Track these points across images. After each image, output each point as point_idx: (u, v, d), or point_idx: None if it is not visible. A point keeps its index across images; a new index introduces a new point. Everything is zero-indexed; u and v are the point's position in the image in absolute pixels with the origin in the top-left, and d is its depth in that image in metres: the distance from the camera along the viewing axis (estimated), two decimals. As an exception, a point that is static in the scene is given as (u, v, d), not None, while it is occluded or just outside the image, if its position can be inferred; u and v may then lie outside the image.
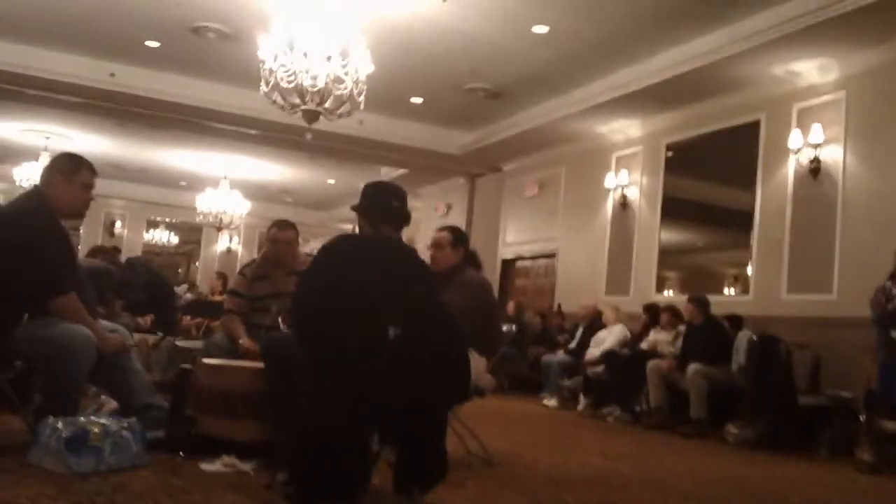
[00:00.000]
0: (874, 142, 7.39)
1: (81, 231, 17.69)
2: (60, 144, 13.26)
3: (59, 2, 8.26)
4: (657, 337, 8.43)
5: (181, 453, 3.79)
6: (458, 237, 4.71)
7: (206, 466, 3.60)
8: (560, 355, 9.69)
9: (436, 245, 4.69)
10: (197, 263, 20.28)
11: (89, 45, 9.57)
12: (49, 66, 9.80)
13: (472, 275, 4.64)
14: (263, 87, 6.94)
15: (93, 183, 4.04)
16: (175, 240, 20.23)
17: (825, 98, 7.85)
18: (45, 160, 11.15)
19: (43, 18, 8.74)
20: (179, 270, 20.36)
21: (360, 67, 6.94)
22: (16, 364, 3.84)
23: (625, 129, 10.51)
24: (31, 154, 14.09)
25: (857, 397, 6.39)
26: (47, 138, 13.78)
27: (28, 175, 13.70)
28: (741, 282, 8.75)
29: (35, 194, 3.96)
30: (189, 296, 12.10)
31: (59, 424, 3.30)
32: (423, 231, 14.30)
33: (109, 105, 10.93)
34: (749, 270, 8.53)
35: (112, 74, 10.09)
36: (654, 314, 8.77)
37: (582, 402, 8.81)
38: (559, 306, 11.25)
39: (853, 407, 6.40)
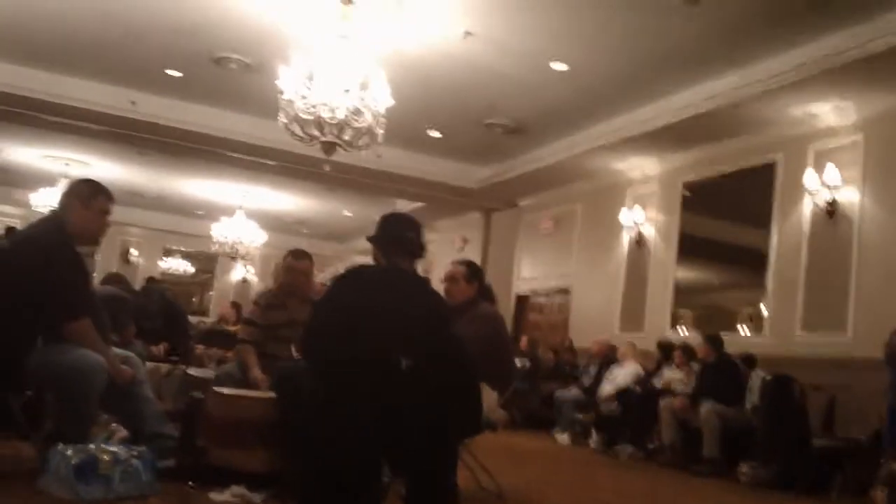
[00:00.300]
0: (891, 184, 7.37)
1: (97, 258, 17.78)
2: (79, 171, 13.40)
3: (82, 29, 8.38)
4: (671, 375, 8.38)
5: (191, 483, 3.77)
6: (472, 271, 4.73)
7: (215, 496, 3.59)
8: (573, 391, 9.62)
9: (450, 279, 4.71)
10: (211, 293, 20.32)
11: (111, 73, 9.69)
12: (70, 92, 9.91)
13: (485, 308, 4.64)
14: (282, 118, 7.00)
15: (110, 209, 4.07)
16: (191, 269, 20.29)
17: (842, 140, 7.85)
18: (63, 186, 11.26)
19: (65, 46, 8.87)
20: (193, 299, 20.41)
21: (379, 100, 6.99)
22: (27, 392, 3.85)
23: (642, 167, 10.51)
24: (49, 180, 14.24)
25: (870, 438, 6.33)
26: (66, 164, 13.93)
27: (46, 201, 13.79)
28: (755, 321, 8.70)
29: (52, 220, 3.99)
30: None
31: (69, 451, 3.30)
32: (438, 264, 14.29)
33: (129, 133, 11.02)
34: (763, 309, 8.48)
35: (133, 102, 10.20)
36: (667, 351, 8.73)
37: (594, 438, 8.74)
38: (570, 342, 11.19)
39: (866, 449, 6.32)
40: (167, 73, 9.49)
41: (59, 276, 3.75)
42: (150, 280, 8.65)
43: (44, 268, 3.72)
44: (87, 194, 3.99)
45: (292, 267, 4.97)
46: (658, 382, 8.43)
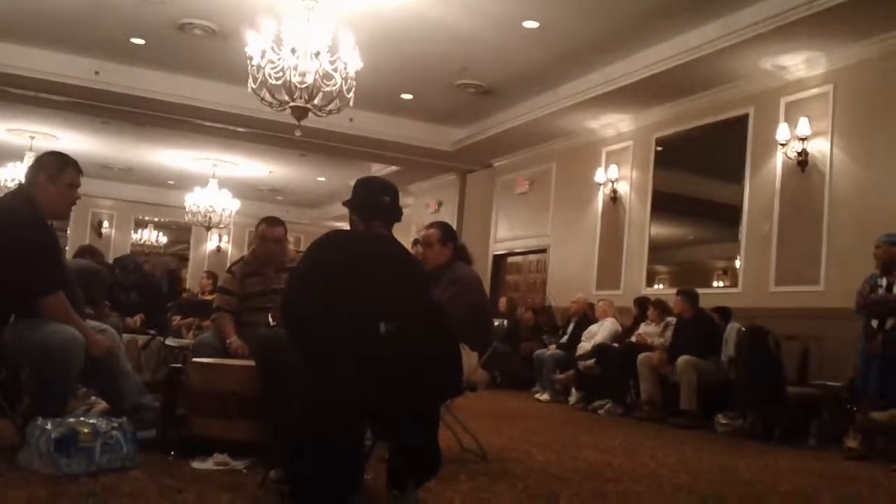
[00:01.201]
0: (860, 135, 7.43)
1: (68, 231, 17.61)
2: (45, 144, 13.19)
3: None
4: (646, 329, 8.47)
5: (172, 453, 3.77)
6: (446, 233, 4.70)
7: (198, 465, 3.59)
8: (552, 350, 9.70)
9: (425, 243, 4.68)
10: (187, 263, 20.20)
11: (73, 43, 9.50)
12: (33, 64, 9.74)
13: (462, 270, 4.63)
14: (251, 84, 6.92)
15: (78, 182, 4.00)
16: (164, 239, 20.12)
17: (812, 92, 7.88)
18: (29, 160, 11.09)
19: (26, 16, 8.68)
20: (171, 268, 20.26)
21: (348, 63, 6.93)
22: (2, 369, 3.81)
23: (615, 125, 10.52)
24: (15, 154, 14.02)
25: (844, 387, 6.45)
26: (32, 138, 13.72)
27: (13, 176, 13.60)
28: (730, 275, 8.79)
29: (20, 194, 3.93)
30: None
31: (48, 426, 3.28)
32: (414, 227, 14.29)
33: (94, 104, 10.87)
34: (738, 263, 8.56)
35: (97, 73, 10.04)
36: (644, 307, 8.80)
37: (574, 395, 8.83)
38: (546, 302, 11.27)
39: (841, 397, 6.44)
40: (131, 42, 9.32)
41: (30, 251, 3.69)
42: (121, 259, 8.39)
43: (14, 243, 3.66)
44: (55, 167, 3.92)
45: (266, 235, 4.92)
46: (633, 338, 8.52)
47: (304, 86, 6.79)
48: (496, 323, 5.49)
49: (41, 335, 3.61)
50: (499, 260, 13.11)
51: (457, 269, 4.59)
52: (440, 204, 14.73)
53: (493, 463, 4.37)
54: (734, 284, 8.60)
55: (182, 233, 19.78)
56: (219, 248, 19.85)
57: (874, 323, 6.06)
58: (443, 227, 4.77)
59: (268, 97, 6.97)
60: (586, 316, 9.68)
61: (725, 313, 7.81)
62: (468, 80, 9.96)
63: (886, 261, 6.14)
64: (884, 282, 6.09)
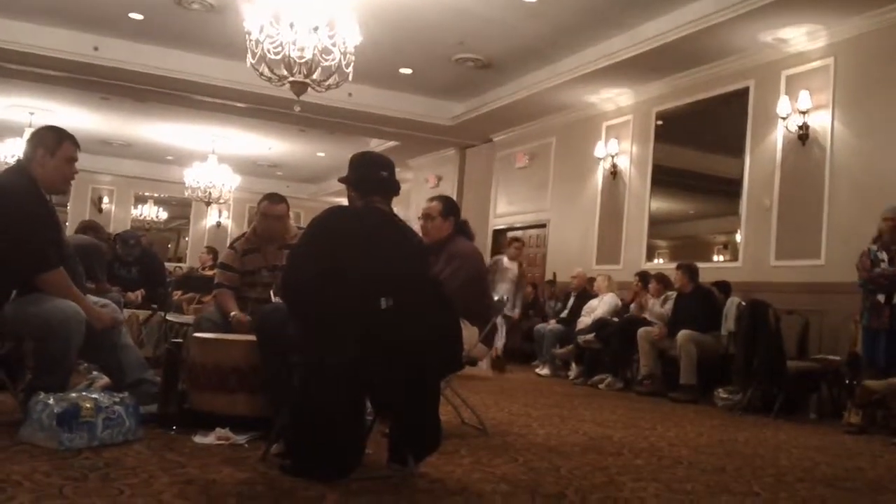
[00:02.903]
0: (861, 108, 7.39)
1: (68, 207, 17.60)
2: (44, 119, 13.05)
3: (41, -26, 8.15)
4: (647, 305, 8.47)
5: (174, 427, 3.79)
6: (448, 207, 4.69)
7: (199, 440, 3.61)
8: (552, 324, 9.72)
9: (426, 216, 4.68)
10: (187, 238, 20.21)
11: (72, 18, 9.45)
12: (31, 39, 9.69)
13: (462, 245, 4.62)
14: (250, 59, 6.89)
15: (76, 156, 3.99)
16: (164, 215, 20.11)
17: (813, 65, 7.84)
18: (28, 136, 11.06)
19: (24, -8, 8.62)
20: (169, 246, 20.30)
21: (347, 38, 6.89)
22: (4, 344, 3.82)
23: (615, 99, 10.48)
24: (14, 130, 13.98)
25: (844, 361, 6.47)
26: (31, 114, 13.67)
27: (12, 152, 13.58)
28: (730, 249, 8.79)
29: (18, 169, 3.92)
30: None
31: (51, 400, 3.29)
32: (414, 202, 14.28)
33: (93, 79, 10.83)
34: (738, 238, 8.55)
35: (95, 48, 9.99)
36: (645, 281, 8.80)
37: (574, 370, 8.86)
38: (554, 275, 11.27)
39: (841, 371, 6.46)
40: (129, 17, 9.26)
41: (30, 227, 3.70)
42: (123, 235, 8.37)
43: (13, 219, 3.66)
44: (53, 141, 3.91)
45: (267, 212, 4.90)
46: (632, 308, 8.55)
47: (303, 61, 6.76)
48: (496, 298, 5.49)
49: (42, 310, 3.62)
50: (498, 235, 13.10)
51: (457, 243, 4.59)
52: (440, 179, 14.71)
53: (493, 437, 4.39)
54: (734, 259, 8.60)
55: (182, 208, 19.76)
56: (219, 224, 19.84)
57: (881, 297, 6.03)
58: (445, 200, 4.77)
59: (266, 72, 6.94)
60: (586, 291, 9.69)
61: (725, 287, 7.82)
62: (467, 55, 9.90)
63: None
64: (884, 255, 6.07)
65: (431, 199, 4.77)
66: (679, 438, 4.93)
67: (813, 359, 6.86)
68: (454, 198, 11.11)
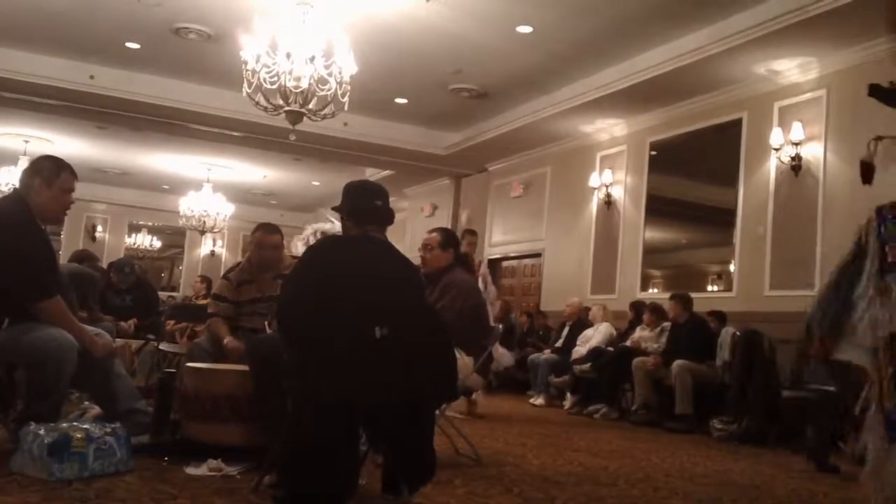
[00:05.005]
0: (854, 139, 7.42)
1: (62, 236, 17.56)
2: (40, 148, 13.13)
3: (38, 3, 8.18)
4: (641, 334, 8.47)
5: (166, 458, 3.76)
6: (447, 239, 4.80)
7: (191, 471, 3.57)
8: (547, 354, 9.69)
9: (425, 246, 4.78)
10: (180, 267, 20.15)
11: (68, 47, 9.48)
12: (27, 68, 9.72)
13: (458, 275, 4.67)
14: (246, 89, 6.92)
15: (73, 187, 4.00)
16: (157, 244, 20.06)
17: (806, 96, 7.90)
18: (24, 164, 11.07)
19: (21, 19, 8.65)
20: (162, 275, 20.22)
21: (343, 68, 6.93)
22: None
23: (609, 129, 10.54)
24: (9, 158, 13.98)
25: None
26: (26, 142, 13.68)
27: (7, 180, 13.57)
28: (724, 279, 8.80)
29: (15, 198, 3.92)
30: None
31: (41, 431, 3.26)
32: (409, 232, 14.28)
33: (89, 107, 10.85)
34: (732, 267, 8.56)
35: (91, 77, 10.02)
36: (639, 311, 8.80)
37: (569, 399, 8.82)
38: (537, 307, 11.31)
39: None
40: (126, 46, 9.30)
41: (27, 255, 3.69)
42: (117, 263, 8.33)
43: (10, 247, 3.65)
44: (51, 171, 3.91)
45: (262, 242, 4.88)
46: (628, 342, 8.52)
47: (299, 90, 6.80)
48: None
49: (34, 338, 3.60)
50: (494, 264, 13.09)
51: (453, 274, 4.64)
52: (435, 208, 14.73)
53: (488, 467, 4.36)
54: (729, 288, 8.61)
55: (176, 237, 19.71)
56: (213, 253, 19.80)
57: None
58: (445, 232, 4.90)
59: (262, 101, 6.97)
60: (581, 320, 9.68)
61: (720, 317, 7.82)
62: (462, 84, 9.95)
63: None
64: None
65: (431, 231, 4.90)
66: (675, 469, 4.90)
67: (808, 389, 6.83)
68: (449, 227, 11.16)
